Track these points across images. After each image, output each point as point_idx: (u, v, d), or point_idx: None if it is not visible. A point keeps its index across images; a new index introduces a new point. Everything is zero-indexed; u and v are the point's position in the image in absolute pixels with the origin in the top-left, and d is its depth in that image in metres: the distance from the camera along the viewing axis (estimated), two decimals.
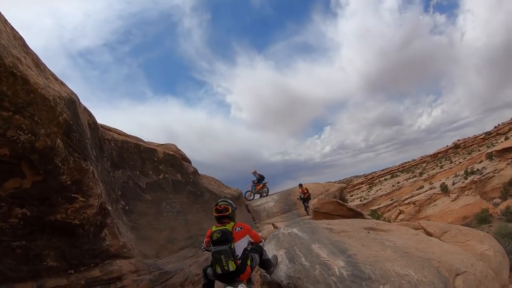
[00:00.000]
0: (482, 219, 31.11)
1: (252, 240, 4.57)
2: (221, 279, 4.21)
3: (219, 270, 4.06)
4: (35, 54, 3.39)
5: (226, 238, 4.15)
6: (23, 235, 3.40)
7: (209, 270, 4.38)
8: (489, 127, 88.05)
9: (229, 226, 4.31)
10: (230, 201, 4.64)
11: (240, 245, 4.29)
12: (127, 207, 5.84)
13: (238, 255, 4.20)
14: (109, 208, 4.48)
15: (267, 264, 4.79)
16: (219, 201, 4.61)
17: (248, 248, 4.44)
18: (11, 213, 3.23)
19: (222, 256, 4.02)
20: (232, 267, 4.03)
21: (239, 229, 4.35)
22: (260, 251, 4.68)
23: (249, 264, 4.35)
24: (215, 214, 4.50)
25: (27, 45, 3.30)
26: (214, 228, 4.32)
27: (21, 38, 3.22)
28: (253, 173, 19.53)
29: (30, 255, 3.51)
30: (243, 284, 4.12)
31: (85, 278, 4.01)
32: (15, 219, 3.27)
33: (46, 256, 3.66)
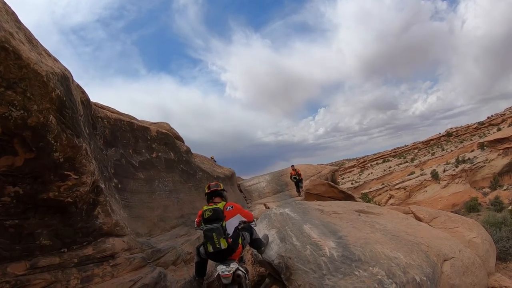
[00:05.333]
0: (471, 208, 31.65)
1: (245, 219, 4.63)
2: (213, 257, 4.33)
3: (210, 248, 4.17)
4: (27, 29, 3.30)
5: (218, 216, 4.25)
6: (15, 214, 3.36)
7: (202, 249, 4.49)
8: (483, 117, 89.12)
9: (220, 205, 4.42)
10: (222, 184, 4.84)
11: (232, 224, 4.40)
12: (119, 185, 5.84)
13: (229, 234, 4.29)
14: (102, 186, 4.46)
15: (257, 244, 4.87)
16: (213, 181, 4.86)
17: (240, 227, 4.52)
18: (3, 191, 3.19)
19: (213, 234, 4.12)
20: (223, 245, 4.13)
21: (230, 208, 4.48)
22: (250, 230, 4.75)
23: (240, 242, 4.45)
24: (207, 191, 4.70)
25: (19, 20, 3.20)
26: (205, 207, 4.44)
27: (13, 13, 3.12)
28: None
29: (23, 234, 3.48)
30: (235, 263, 4.23)
31: (78, 256, 4.02)
32: (7, 197, 3.24)
33: (39, 234, 3.64)
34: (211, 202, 4.60)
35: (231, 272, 4.11)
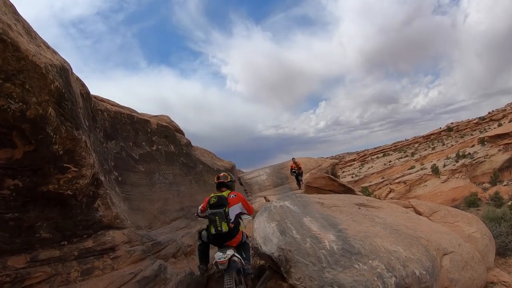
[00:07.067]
0: (470, 202, 31.63)
1: (244, 211, 4.97)
2: (214, 240, 4.74)
3: (213, 231, 4.54)
4: (26, 21, 3.27)
5: (222, 203, 4.69)
6: (15, 207, 3.36)
7: (204, 233, 4.95)
8: (484, 112, 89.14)
9: (225, 193, 4.87)
10: (231, 174, 5.39)
11: (234, 210, 4.78)
12: (120, 178, 5.84)
13: (231, 219, 4.66)
14: (102, 178, 4.46)
15: (245, 251, 4.98)
16: (221, 172, 5.41)
17: (241, 216, 4.95)
18: (3, 184, 3.18)
19: (216, 217, 4.51)
20: (224, 228, 4.50)
21: (233, 196, 4.89)
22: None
23: (241, 229, 4.93)
24: (216, 181, 5.18)
25: (17, 12, 3.18)
26: (212, 195, 4.89)
27: (11, 5, 3.09)
28: None
29: (23, 227, 3.48)
30: (231, 250, 4.52)
31: (78, 249, 4.03)
32: (7, 190, 3.23)
33: (39, 227, 3.64)
34: (218, 191, 5.04)
35: (227, 258, 4.33)
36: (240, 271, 4.55)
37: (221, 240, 4.63)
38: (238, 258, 4.51)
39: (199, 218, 5.23)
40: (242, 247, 4.91)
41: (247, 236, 5.15)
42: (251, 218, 5.24)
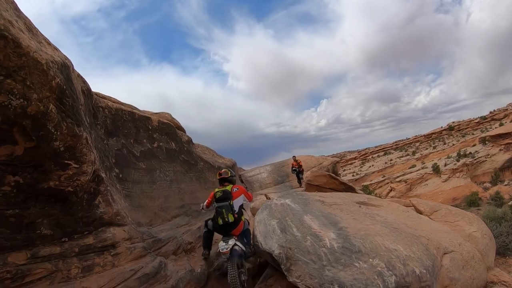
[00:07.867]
0: (471, 202, 31.64)
1: (246, 200, 5.77)
2: (220, 230, 5.34)
3: (220, 222, 5.14)
4: (27, 18, 3.26)
5: (227, 196, 5.30)
6: (16, 203, 3.36)
7: (210, 222, 5.59)
8: (486, 112, 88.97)
9: (228, 187, 5.50)
10: (231, 170, 5.96)
11: (237, 202, 5.42)
12: (121, 175, 5.84)
13: (235, 210, 5.27)
14: (103, 175, 4.46)
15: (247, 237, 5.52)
16: (222, 169, 5.99)
17: (244, 207, 5.60)
18: (3, 181, 3.18)
19: (223, 210, 5.10)
20: (231, 218, 5.11)
21: (236, 189, 5.54)
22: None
23: (243, 219, 5.47)
24: (218, 178, 5.79)
25: (19, 8, 3.16)
26: (216, 190, 5.51)
27: (12, 2, 3.08)
28: None
29: (24, 223, 3.49)
30: (233, 239, 5.06)
31: (79, 245, 4.05)
32: (7, 187, 3.23)
33: (40, 224, 3.65)
34: (221, 186, 5.65)
35: (229, 248, 4.89)
36: (241, 255, 5.05)
37: (227, 230, 5.22)
38: (239, 246, 5.02)
39: (203, 211, 5.81)
40: (243, 233, 5.44)
41: (248, 223, 5.74)
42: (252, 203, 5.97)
